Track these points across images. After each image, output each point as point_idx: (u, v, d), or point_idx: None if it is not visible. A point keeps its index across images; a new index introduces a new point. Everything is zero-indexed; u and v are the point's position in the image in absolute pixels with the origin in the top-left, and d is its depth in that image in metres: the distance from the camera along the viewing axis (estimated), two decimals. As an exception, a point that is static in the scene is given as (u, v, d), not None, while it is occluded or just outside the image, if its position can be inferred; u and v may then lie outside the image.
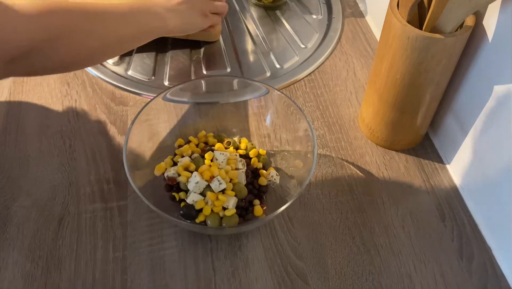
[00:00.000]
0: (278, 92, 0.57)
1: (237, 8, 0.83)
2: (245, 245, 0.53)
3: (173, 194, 0.53)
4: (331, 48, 0.75)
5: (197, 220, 0.51)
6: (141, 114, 0.54)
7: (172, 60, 0.73)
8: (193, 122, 0.62)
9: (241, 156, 0.56)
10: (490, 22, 0.49)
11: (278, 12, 0.82)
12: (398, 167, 0.60)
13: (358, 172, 0.60)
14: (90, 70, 0.70)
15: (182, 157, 0.55)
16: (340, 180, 0.59)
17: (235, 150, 0.57)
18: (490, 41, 0.49)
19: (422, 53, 0.49)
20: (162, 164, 0.55)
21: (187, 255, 0.52)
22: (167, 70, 0.72)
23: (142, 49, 0.74)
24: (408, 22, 0.49)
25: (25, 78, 0.69)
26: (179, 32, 0.65)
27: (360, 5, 0.83)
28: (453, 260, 0.52)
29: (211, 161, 0.54)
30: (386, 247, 0.53)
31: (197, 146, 0.57)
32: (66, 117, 0.64)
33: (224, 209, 0.51)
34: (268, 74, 0.72)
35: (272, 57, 0.74)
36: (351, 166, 0.60)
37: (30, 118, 0.64)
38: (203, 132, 0.59)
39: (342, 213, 0.55)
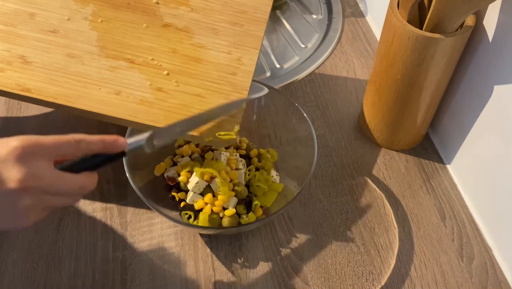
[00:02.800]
0: (278, 92, 0.57)
1: (237, 8, 0.83)
2: (245, 245, 0.53)
3: (173, 194, 0.53)
4: (331, 48, 0.75)
5: (197, 220, 0.51)
6: (141, 114, 0.54)
7: (172, 60, 0.73)
8: (193, 122, 0.62)
9: (241, 156, 0.56)
10: (490, 22, 0.49)
11: (278, 12, 0.82)
12: (398, 167, 0.60)
13: (358, 172, 0.59)
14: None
15: (182, 157, 0.55)
16: (340, 180, 0.59)
17: (235, 149, 0.57)
18: (490, 41, 0.49)
19: (422, 53, 0.49)
20: (162, 164, 0.55)
21: (187, 255, 0.52)
22: (167, 70, 0.71)
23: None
24: (408, 22, 0.49)
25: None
26: None
27: (360, 5, 0.83)
28: (453, 260, 0.52)
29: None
30: (386, 247, 0.53)
31: (197, 146, 0.57)
32: (66, 118, 0.64)
33: (224, 209, 0.51)
34: (268, 74, 0.72)
35: (272, 57, 0.74)
36: (351, 166, 0.60)
37: (30, 118, 0.64)
38: (203, 132, 0.59)
39: (342, 213, 0.55)
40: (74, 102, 0.46)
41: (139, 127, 0.46)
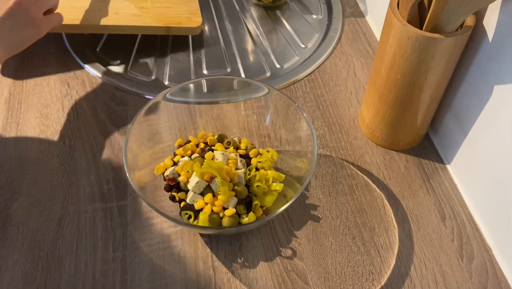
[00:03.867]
0: (278, 92, 0.57)
1: (237, 8, 0.83)
2: (245, 245, 0.53)
3: (173, 194, 0.53)
4: (331, 48, 0.75)
5: (197, 220, 0.51)
6: (141, 114, 0.54)
7: (172, 60, 0.73)
8: (193, 122, 0.62)
9: (241, 156, 0.56)
10: (490, 22, 0.49)
11: (278, 12, 0.82)
12: (398, 167, 0.60)
13: (358, 172, 0.60)
14: (90, 70, 0.70)
15: (182, 157, 0.55)
16: (340, 180, 0.59)
17: (235, 150, 0.57)
18: (490, 41, 0.49)
19: (422, 53, 0.49)
20: (162, 164, 0.55)
21: (187, 255, 0.52)
22: (167, 70, 0.72)
23: (142, 49, 0.74)
24: (408, 22, 0.49)
25: (25, 78, 0.69)
26: (10, 55, 0.58)
27: (360, 5, 0.83)
28: (453, 260, 0.52)
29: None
30: (386, 247, 0.53)
31: (197, 145, 0.57)
32: (66, 117, 0.64)
33: (224, 209, 0.51)
34: (268, 74, 0.72)
35: (272, 57, 0.74)
36: (351, 166, 0.60)
37: (30, 118, 0.64)
38: (203, 132, 0.59)
39: (342, 213, 0.56)
40: (88, 21, 0.68)
41: (136, 31, 0.70)
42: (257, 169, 0.55)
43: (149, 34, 0.75)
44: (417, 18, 0.52)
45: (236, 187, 0.52)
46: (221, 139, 0.58)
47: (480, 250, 0.53)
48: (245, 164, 0.55)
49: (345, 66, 0.73)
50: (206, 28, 0.79)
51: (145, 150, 0.55)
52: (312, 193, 0.57)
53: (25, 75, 0.70)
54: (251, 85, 0.59)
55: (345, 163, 0.61)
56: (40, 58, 0.72)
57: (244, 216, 0.51)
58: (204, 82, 0.61)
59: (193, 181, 0.51)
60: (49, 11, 0.61)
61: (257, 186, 0.52)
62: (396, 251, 0.52)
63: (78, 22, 0.68)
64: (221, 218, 0.51)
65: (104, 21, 0.68)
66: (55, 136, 0.62)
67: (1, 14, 0.53)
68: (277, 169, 0.57)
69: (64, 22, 0.65)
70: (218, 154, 0.54)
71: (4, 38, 0.55)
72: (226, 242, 0.53)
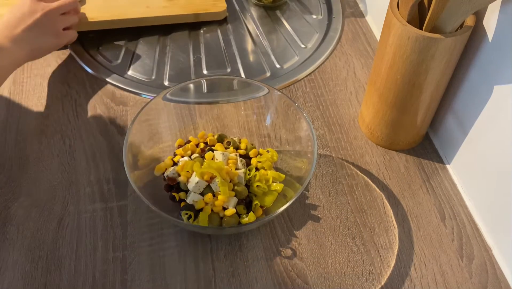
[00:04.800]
0: (278, 92, 0.57)
1: (237, 8, 0.83)
2: (245, 245, 0.53)
3: (173, 194, 0.53)
4: (331, 48, 0.75)
5: (197, 220, 0.51)
6: (141, 114, 0.54)
7: (172, 60, 0.73)
8: (193, 122, 0.62)
9: (241, 156, 0.56)
10: (490, 22, 0.49)
11: (278, 12, 0.82)
12: (398, 167, 0.60)
13: (358, 172, 0.60)
14: (90, 70, 0.70)
15: (182, 157, 0.55)
16: (340, 180, 0.59)
17: (235, 150, 0.57)
18: (490, 41, 0.49)
19: (422, 53, 0.49)
20: (162, 164, 0.55)
21: (187, 255, 0.52)
22: (167, 70, 0.72)
23: (142, 50, 0.74)
24: (408, 22, 0.49)
25: (25, 78, 0.69)
26: (30, 60, 0.65)
27: (360, 5, 0.83)
28: (453, 260, 0.52)
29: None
30: (386, 247, 0.53)
31: (197, 145, 0.57)
32: (66, 117, 0.64)
33: (224, 209, 0.51)
34: (268, 74, 0.72)
35: (272, 57, 0.74)
36: (351, 166, 0.60)
37: (30, 118, 0.64)
38: (203, 132, 0.59)
39: (342, 213, 0.56)
40: (125, 15, 0.75)
41: (167, 21, 0.77)
42: (257, 169, 0.55)
43: (150, 34, 0.76)
44: (417, 18, 0.52)
45: (236, 187, 0.52)
46: (221, 139, 0.58)
47: (480, 250, 0.53)
48: (245, 164, 0.55)
49: (345, 66, 0.73)
50: (206, 28, 0.79)
51: (145, 150, 0.55)
52: (312, 193, 0.57)
53: (25, 75, 0.70)
54: (251, 85, 0.59)
55: (345, 163, 0.61)
56: (40, 58, 0.72)
57: (244, 216, 0.51)
58: (204, 82, 0.61)
59: (193, 181, 0.51)
60: (68, 28, 0.68)
61: (257, 186, 0.52)
62: (396, 251, 0.52)
63: (115, 18, 0.74)
64: (221, 218, 0.51)
65: (138, 15, 0.75)
66: (55, 136, 0.62)
67: (29, 22, 0.61)
68: (277, 169, 0.57)
69: (102, 19, 0.74)
70: (218, 154, 0.54)
71: (29, 44, 0.61)
72: (226, 242, 0.53)
